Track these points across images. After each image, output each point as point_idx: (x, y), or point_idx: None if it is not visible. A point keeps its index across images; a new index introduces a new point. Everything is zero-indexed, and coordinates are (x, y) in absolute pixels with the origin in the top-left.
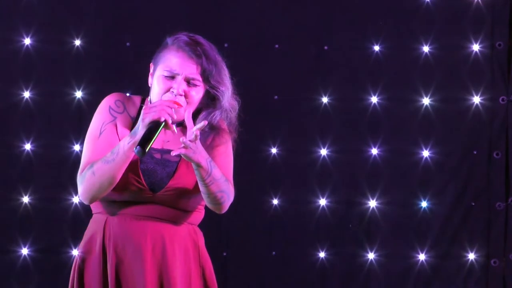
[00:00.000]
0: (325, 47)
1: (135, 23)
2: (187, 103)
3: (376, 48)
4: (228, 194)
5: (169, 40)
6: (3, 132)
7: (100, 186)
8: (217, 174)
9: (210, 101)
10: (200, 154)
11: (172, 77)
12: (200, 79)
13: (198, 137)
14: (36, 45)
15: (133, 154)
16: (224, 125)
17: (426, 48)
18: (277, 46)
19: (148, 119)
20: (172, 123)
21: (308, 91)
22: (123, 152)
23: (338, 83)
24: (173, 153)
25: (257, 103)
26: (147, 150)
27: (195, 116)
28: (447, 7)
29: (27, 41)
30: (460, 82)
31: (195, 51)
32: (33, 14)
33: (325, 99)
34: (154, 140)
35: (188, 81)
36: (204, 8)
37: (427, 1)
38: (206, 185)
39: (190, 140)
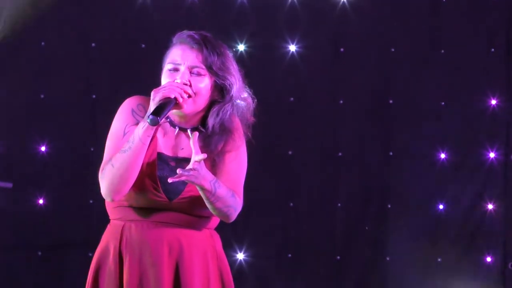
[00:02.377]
0: (341, 49)
1: (151, 25)
2: (195, 95)
3: (392, 50)
4: (235, 208)
5: (174, 38)
6: (18, 133)
7: (120, 178)
8: (222, 192)
9: (220, 96)
10: (203, 178)
11: (176, 70)
12: (203, 67)
13: (198, 168)
14: (51, 47)
15: (148, 139)
16: (238, 126)
17: (442, 50)
18: (293, 48)
19: (158, 98)
20: (184, 129)
21: (324, 93)
22: (138, 138)
23: (354, 85)
24: (170, 180)
25: (273, 105)
26: (160, 119)
27: (207, 112)
28: (463, 9)
29: (43, 43)
30: (477, 84)
31: (196, 41)
32: (48, 15)
33: (340, 101)
34: (166, 112)
35: (192, 72)
36: (219, 11)
37: (443, 1)
38: (211, 203)
39: (191, 169)
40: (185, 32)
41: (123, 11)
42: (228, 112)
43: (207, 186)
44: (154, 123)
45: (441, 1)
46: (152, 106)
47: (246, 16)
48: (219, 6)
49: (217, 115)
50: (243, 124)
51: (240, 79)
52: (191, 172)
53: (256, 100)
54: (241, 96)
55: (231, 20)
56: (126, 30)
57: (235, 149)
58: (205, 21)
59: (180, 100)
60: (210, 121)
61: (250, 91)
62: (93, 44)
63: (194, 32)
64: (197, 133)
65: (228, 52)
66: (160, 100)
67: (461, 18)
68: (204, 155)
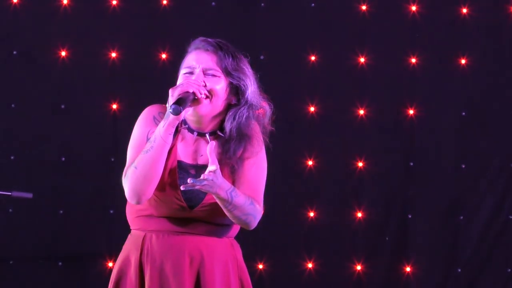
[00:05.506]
0: (362, 59)
1: (171, 36)
2: (211, 95)
3: (413, 60)
4: (254, 215)
5: (188, 47)
6: (41, 142)
7: (144, 178)
8: (240, 201)
9: (236, 99)
10: (219, 187)
11: (191, 73)
12: (218, 69)
13: (213, 177)
14: (72, 57)
15: (170, 139)
16: (256, 131)
17: (463, 60)
18: (313, 58)
19: (177, 93)
20: (202, 134)
21: (344, 103)
22: (159, 137)
23: (374, 94)
24: (182, 188)
25: (293, 114)
26: (182, 108)
27: (224, 116)
28: (484, 20)
29: (63, 53)
30: (498, 94)
31: (210, 43)
32: (69, 26)
33: (361, 111)
34: (187, 103)
35: (206, 72)
36: (240, 20)
37: (464, 14)
38: (229, 211)
39: (205, 179)
40: (199, 38)
41: (144, 22)
42: (245, 116)
43: (223, 195)
44: (177, 112)
45: (460, 14)
46: (171, 101)
47: (267, 25)
48: (241, 15)
49: (234, 118)
50: (261, 130)
51: (255, 82)
52: (205, 182)
53: (273, 107)
54: (257, 100)
55: (252, 29)
56: (147, 40)
57: (254, 155)
58: (227, 30)
59: (199, 95)
60: (227, 125)
61: (267, 97)
62: (113, 54)
63: (206, 37)
64: (213, 143)
65: (242, 56)
66: (179, 94)
67: (481, 27)
68: (216, 165)
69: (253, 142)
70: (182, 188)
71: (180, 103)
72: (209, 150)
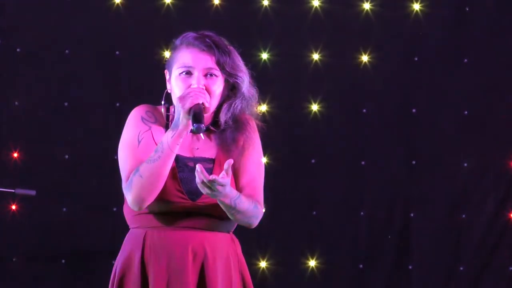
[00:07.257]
0: (364, 57)
1: (173, 33)
2: (210, 97)
3: (415, 59)
4: (256, 217)
5: (177, 41)
6: (42, 141)
7: (150, 187)
8: (244, 207)
9: (230, 92)
10: (225, 195)
11: (188, 73)
12: (217, 68)
13: (221, 190)
14: (76, 55)
15: (177, 147)
16: (250, 119)
17: (465, 59)
18: (316, 56)
19: (188, 105)
20: (200, 131)
21: (347, 102)
22: (167, 147)
23: (376, 93)
24: (198, 166)
25: (296, 114)
26: (203, 126)
27: (218, 109)
28: (488, 17)
29: (67, 51)
30: (500, 90)
31: (205, 43)
32: (73, 23)
33: (364, 110)
34: (203, 116)
35: (206, 74)
36: (244, 20)
37: (467, 9)
38: (231, 215)
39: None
40: (190, 35)
41: (147, 20)
42: (239, 107)
43: (227, 202)
44: (200, 130)
45: (465, 11)
46: (182, 114)
47: (269, 24)
48: (243, 14)
49: (228, 110)
50: (253, 116)
51: (248, 74)
52: (213, 192)
53: (258, 91)
54: (249, 90)
55: (254, 28)
56: (150, 39)
57: (251, 145)
58: (229, 29)
59: (207, 104)
60: (222, 117)
61: (253, 83)
62: (117, 53)
63: (198, 33)
64: (231, 160)
65: (233, 48)
66: (191, 107)
67: (485, 25)
68: (228, 182)
69: (248, 130)
70: (198, 167)
71: (200, 120)
72: (226, 167)
